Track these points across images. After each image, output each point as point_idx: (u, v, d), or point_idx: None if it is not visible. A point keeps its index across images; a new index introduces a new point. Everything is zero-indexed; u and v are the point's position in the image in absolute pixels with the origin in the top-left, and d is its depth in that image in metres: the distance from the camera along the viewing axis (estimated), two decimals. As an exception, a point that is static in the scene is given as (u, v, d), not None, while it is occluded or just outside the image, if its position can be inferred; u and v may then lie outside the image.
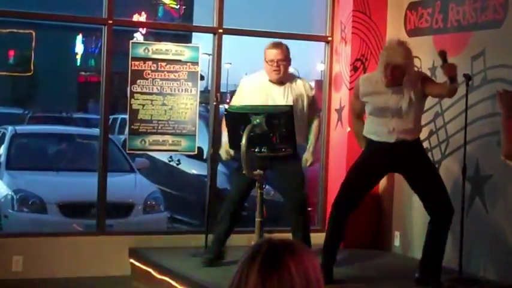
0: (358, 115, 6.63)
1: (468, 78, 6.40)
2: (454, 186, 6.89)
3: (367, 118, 6.45)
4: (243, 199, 6.64)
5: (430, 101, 6.74)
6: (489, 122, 6.71)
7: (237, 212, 6.68)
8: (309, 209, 6.97)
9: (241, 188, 6.53)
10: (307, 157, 6.67)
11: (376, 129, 6.33)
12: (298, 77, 6.89)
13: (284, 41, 6.84)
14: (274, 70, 6.50)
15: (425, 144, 7.36)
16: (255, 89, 6.58)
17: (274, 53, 6.51)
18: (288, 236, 6.43)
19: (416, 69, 6.52)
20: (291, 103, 6.39)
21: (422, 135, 7.08)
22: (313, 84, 10.30)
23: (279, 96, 6.50)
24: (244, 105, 6.38)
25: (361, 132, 6.52)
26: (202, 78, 8.15)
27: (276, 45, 6.58)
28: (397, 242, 7.82)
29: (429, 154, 7.36)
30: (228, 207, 6.69)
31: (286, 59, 6.54)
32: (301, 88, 6.61)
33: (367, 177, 6.41)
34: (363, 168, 6.39)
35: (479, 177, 6.83)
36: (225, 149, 6.56)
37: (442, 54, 6.16)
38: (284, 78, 6.56)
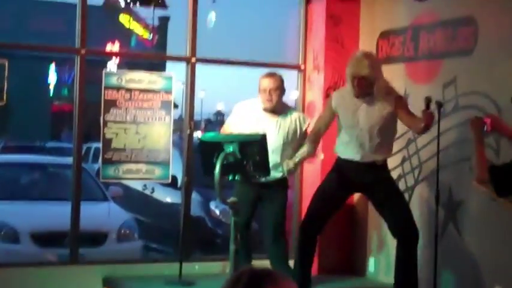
0: (316, 132, 6.60)
1: (440, 105, 6.44)
2: (427, 212, 6.90)
3: (338, 135, 6.49)
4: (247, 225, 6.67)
5: (402, 128, 6.77)
6: (461, 148, 6.74)
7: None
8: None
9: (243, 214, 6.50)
10: (288, 162, 6.63)
11: (344, 147, 6.36)
12: (294, 109, 6.96)
13: (257, 70, 6.88)
14: (267, 99, 6.60)
15: (399, 171, 7.39)
16: (247, 116, 6.67)
17: (267, 82, 6.62)
18: (266, 264, 6.41)
19: (390, 86, 6.51)
20: (282, 135, 6.55)
21: (395, 161, 7.11)
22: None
23: (271, 127, 6.57)
24: (217, 134, 6.43)
25: (303, 152, 6.52)
26: (176, 106, 8.14)
27: (269, 75, 6.70)
28: (371, 267, 7.81)
29: (402, 180, 7.38)
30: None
31: (279, 89, 6.64)
32: (295, 121, 6.69)
33: (331, 198, 6.40)
34: (327, 188, 6.42)
35: (452, 202, 6.84)
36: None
37: (427, 100, 6.19)
38: (277, 107, 6.64)
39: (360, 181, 6.34)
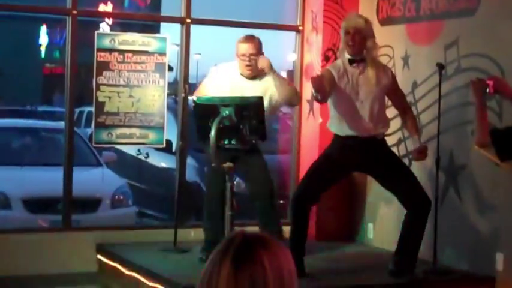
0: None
1: (441, 67, 6.43)
2: (428, 176, 6.92)
3: (330, 111, 6.39)
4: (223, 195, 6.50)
5: (403, 90, 6.74)
6: (463, 112, 6.74)
7: (220, 210, 6.55)
8: (281, 201, 6.96)
9: (218, 184, 6.40)
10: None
11: (340, 123, 6.29)
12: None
13: (254, 31, 6.81)
14: (247, 65, 6.45)
15: (399, 135, 7.40)
16: (224, 80, 6.54)
17: (246, 47, 6.46)
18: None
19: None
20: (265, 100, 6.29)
21: (395, 126, 7.11)
22: (285, 74, 10.29)
23: (250, 92, 6.44)
24: (213, 96, 6.35)
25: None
26: (170, 69, 8.11)
27: (248, 39, 6.52)
28: (370, 234, 7.84)
29: (402, 145, 7.39)
30: (210, 207, 6.62)
31: (259, 53, 6.50)
32: (271, 83, 6.53)
33: (330, 174, 6.34)
34: (326, 163, 6.34)
35: (453, 167, 6.86)
36: None
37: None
38: (257, 72, 6.51)
39: (361, 160, 6.31)
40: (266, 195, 6.55)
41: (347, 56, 6.24)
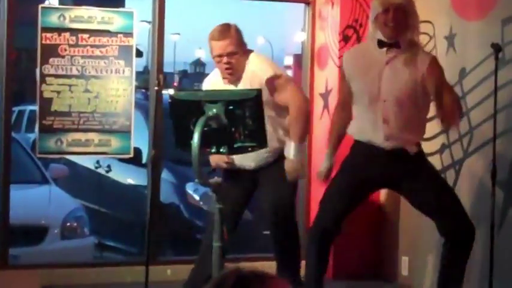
0: (343, 103, 6.54)
1: (497, 49, 6.43)
2: (480, 193, 6.94)
3: (354, 112, 6.40)
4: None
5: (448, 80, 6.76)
6: (526, 108, 6.78)
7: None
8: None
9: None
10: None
11: (360, 125, 6.31)
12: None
13: (251, 4, 6.79)
14: (226, 69, 6.46)
15: (442, 139, 7.41)
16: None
17: (220, 46, 6.45)
18: (266, 265, 6.45)
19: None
20: None
21: (437, 127, 7.09)
22: (291, 59, 10.29)
23: None
24: (196, 89, 6.38)
25: (339, 129, 6.45)
26: (139, 54, 8.14)
27: (222, 34, 6.46)
28: (404, 271, 7.87)
29: (447, 152, 7.41)
30: (207, 239, 6.65)
31: (239, 48, 6.47)
32: (255, 75, 6.52)
33: (348, 194, 6.36)
34: (342, 181, 6.36)
35: (515, 182, 6.89)
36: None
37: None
38: (241, 72, 6.50)
39: (387, 174, 6.33)
40: (280, 219, 6.60)
41: (378, 36, 6.21)
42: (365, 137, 6.26)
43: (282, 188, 6.57)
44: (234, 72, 6.47)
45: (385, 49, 6.18)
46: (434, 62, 6.28)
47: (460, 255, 6.30)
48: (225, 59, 6.42)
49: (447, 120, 6.15)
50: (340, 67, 7.58)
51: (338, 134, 6.46)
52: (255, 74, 6.47)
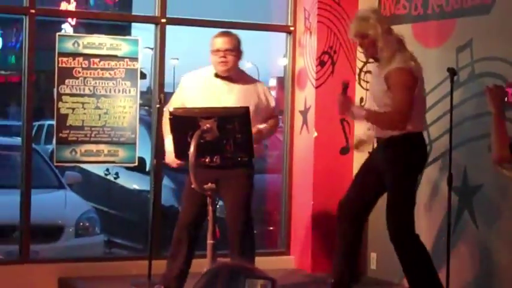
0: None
1: (453, 72, 6.43)
2: (438, 198, 6.94)
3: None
4: (197, 220, 6.53)
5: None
6: (478, 124, 6.76)
7: (192, 237, 6.59)
8: (270, 228, 6.96)
9: (194, 207, 6.43)
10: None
11: None
12: (256, 79, 6.88)
13: (239, 33, 6.81)
14: (220, 62, 6.46)
15: (405, 151, 7.40)
16: (198, 88, 6.55)
17: (221, 42, 6.47)
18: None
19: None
20: (241, 105, 6.25)
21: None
22: (275, 81, 10.27)
23: (228, 96, 6.44)
24: (192, 107, 6.34)
25: None
26: (143, 76, 8.13)
27: (224, 34, 6.55)
28: (373, 265, 7.85)
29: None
30: (180, 233, 6.62)
31: (236, 50, 6.48)
32: (261, 95, 6.54)
33: (362, 184, 6.41)
34: (359, 170, 6.59)
35: (468, 187, 6.88)
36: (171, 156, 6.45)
37: (344, 85, 6.24)
38: (233, 73, 6.50)
39: (377, 162, 6.35)
40: (240, 223, 6.54)
41: None
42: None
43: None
44: (226, 67, 6.47)
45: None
46: (393, 72, 6.19)
47: (399, 252, 6.30)
48: (221, 53, 6.43)
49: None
50: (317, 87, 7.61)
51: None
52: (262, 95, 6.59)
